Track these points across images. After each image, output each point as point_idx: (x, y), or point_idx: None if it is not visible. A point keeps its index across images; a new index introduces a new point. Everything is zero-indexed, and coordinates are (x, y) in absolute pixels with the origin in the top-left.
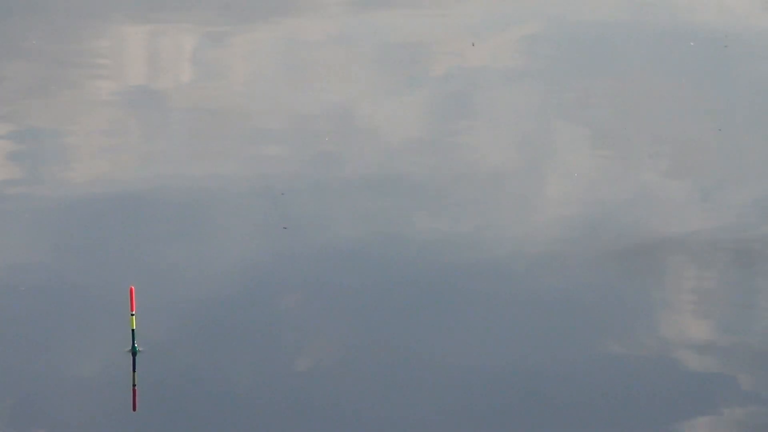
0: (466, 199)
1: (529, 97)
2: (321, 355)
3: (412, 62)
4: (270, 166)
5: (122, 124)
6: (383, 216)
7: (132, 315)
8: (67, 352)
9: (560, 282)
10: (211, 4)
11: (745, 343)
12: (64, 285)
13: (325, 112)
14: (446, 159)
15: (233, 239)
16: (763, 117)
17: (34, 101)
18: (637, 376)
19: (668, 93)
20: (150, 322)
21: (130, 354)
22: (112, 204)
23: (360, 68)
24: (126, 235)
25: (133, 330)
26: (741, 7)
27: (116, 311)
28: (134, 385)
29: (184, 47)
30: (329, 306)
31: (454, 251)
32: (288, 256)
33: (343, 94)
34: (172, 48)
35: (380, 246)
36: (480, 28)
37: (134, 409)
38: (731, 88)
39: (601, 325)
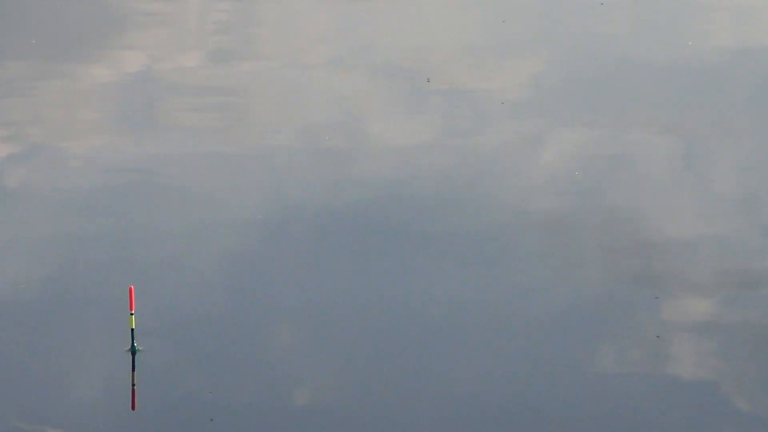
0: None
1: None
2: (320, 353)
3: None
4: (274, 177)
5: (120, 112)
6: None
7: (132, 315)
8: (67, 352)
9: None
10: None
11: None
12: (65, 285)
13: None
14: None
15: (234, 239)
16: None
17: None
18: (636, 396)
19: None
20: (150, 322)
21: (130, 354)
22: (112, 204)
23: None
24: (127, 234)
25: (132, 330)
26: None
27: (116, 311)
28: (134, 385)
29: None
30: (330, 311)
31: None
32: (288, 257)
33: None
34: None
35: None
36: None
37: (134, 408)
38: None
39: (603, 346)
